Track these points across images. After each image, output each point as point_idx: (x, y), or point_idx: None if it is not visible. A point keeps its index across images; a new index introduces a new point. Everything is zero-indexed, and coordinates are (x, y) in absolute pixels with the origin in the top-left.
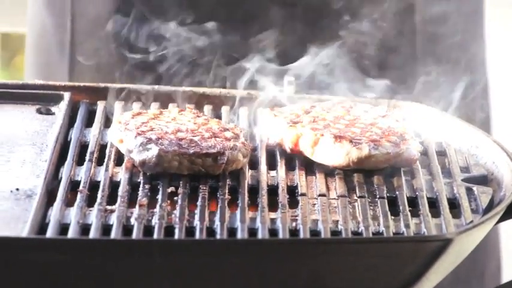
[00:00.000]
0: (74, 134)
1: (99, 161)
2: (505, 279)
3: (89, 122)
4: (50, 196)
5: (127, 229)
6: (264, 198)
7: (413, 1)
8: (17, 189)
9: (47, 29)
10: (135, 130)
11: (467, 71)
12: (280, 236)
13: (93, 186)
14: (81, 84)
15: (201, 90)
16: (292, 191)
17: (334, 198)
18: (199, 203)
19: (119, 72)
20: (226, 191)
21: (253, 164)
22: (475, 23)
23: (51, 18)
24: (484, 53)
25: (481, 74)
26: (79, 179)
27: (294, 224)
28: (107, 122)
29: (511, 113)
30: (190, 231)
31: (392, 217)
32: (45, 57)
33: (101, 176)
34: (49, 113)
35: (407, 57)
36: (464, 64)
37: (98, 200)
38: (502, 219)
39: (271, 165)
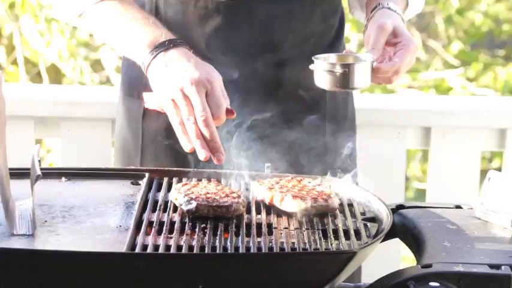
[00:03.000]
0: (150, 195)
1: (164, 210)
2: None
3: (158, 188)
4: (137, 229)
5: (179, 247)
6: (254, 230)
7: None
8: (120, 226)
9: (127, 138)
10: (184, 193)
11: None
12: (263, 251)
13: (161, 224)
14: (155, 168)
15: (218, 171)
16: (269, 226)
17: (292, 230)
18: (218, 233)
19: (169, 160)
20: (233, 226)
21: (248, 211)
22: (350, 129)
23: (129, 132)
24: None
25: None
26: (153, 220)
27: (270, 244)
28: (169, 189)
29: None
30: (213, 248)
31: (324, 240)
32: (127, 154)
33: (165, 218)
34: (137, 184)
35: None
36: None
37: (163, 231)
38: (382, 241)
39: (258, 212)
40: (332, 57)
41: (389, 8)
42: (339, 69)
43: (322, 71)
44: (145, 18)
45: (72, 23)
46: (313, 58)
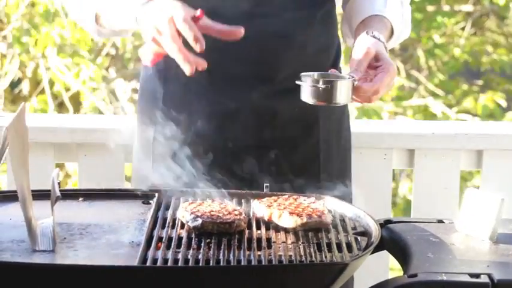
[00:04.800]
0: (160, 213)
1: (172, 227)
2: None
3: (167, 207)
4: (148, 245)
5: (186, 261)
6: (254, 244)
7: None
8: (132, 241)
9: (141, 160)
10: (190, 210)
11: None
12: (263, 263)
13: (169, 239)
14: (163, 188)
15: (222, 191)
16: (268, 240)
17: (290, 244)
18: (222, 247)
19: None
20: (236, 241)
21: (249, 227)
22: (345, 170)
23: (143, 155)
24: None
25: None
26: (163, 236)
27: (269, 257)
28: (176, 207)
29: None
30: (217, 261)
31: (318, 253)
32: (141, 174)
33: (173, 234)
34: (148, 203)
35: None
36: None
37: (172, 246)
38: (372, 253)
39: (258, 227)
40: (317, 74)
41: (373, 36)
42: (322, 85)
43: (307, 86)
44: None
45: (92, 32)
46: (300, 75)
